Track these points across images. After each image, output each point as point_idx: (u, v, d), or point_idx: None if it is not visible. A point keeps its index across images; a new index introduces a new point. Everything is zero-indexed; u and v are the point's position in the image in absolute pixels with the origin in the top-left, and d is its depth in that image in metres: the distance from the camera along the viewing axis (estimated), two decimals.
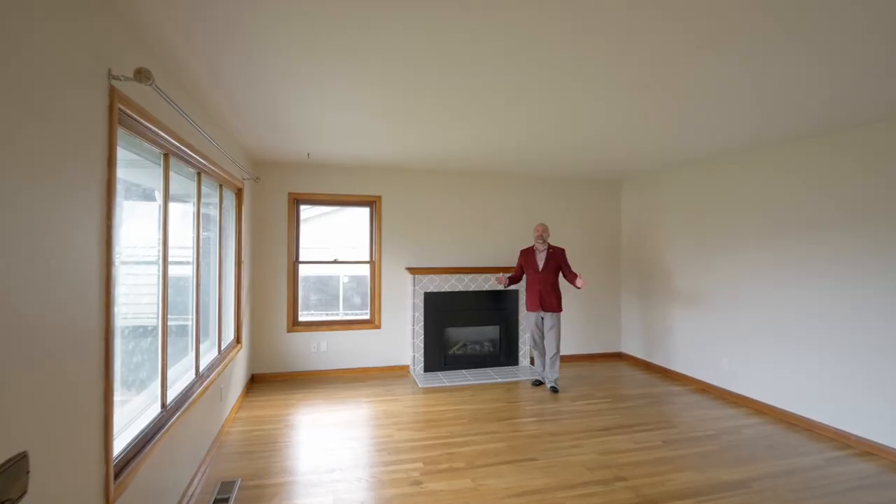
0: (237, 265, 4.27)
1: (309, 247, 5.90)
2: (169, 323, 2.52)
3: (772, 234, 4.15)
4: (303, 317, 5.36)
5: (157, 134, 2.18)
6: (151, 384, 2.34)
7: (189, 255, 3.01)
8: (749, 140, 3.91)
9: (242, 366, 4.52)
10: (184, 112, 2.32)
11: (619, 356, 6.23)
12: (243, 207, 4.35)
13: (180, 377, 2.79)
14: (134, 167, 2.30)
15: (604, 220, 6.20)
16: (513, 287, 5.64)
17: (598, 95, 2.81)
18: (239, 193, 4.31)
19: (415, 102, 2.95)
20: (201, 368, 3.11)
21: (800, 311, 3.93)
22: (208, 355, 3.47)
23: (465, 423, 3.89)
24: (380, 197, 5.38)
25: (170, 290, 2.54)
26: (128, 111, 1.84)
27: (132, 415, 2.13)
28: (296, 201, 5.21)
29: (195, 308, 3.01)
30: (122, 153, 1.98)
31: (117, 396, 1.88)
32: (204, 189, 3.38)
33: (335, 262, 5.41)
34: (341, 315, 7.68)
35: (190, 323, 3.01)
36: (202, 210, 3.39)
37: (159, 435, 2.21)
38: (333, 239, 6.29)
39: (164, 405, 2.36)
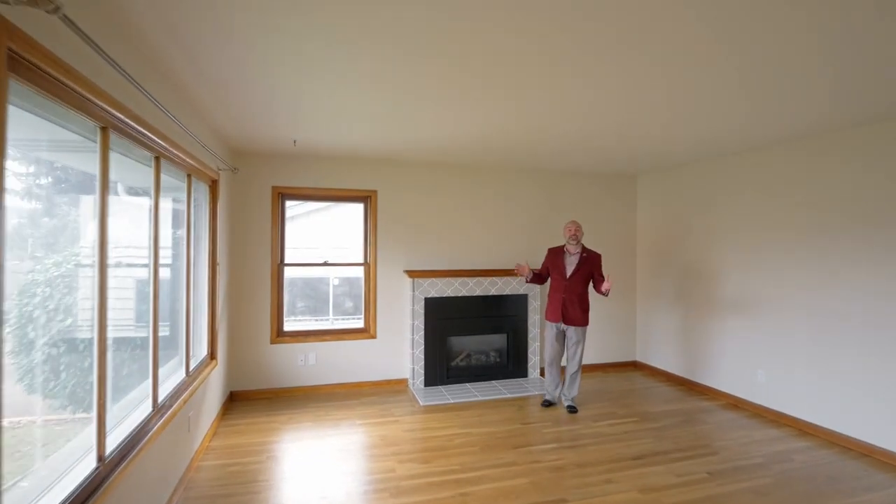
0: (211, 269, 3.69)
1: (296, 247, 5.34)
2: (117, 341, 1.96)
3: (820, 231, 3.68)
4: (288, 325, 4.80)
5: (84, 98, 1.62)
6: (84, 430, 1.78)
7: (145, 256, 2.44)
8: (798, 128, 3.43)
9: (218, 384, 3.94)
10: (125, 71, 1.76)
11: (634, 365, 5.76)
12: (219, 202, 3.78)
13: (130, 412, 2.22)
14: (71, 150, 1.74)
15: (618, 218, 5.71)
16: (523, 290, 5.13)
17: (631, 72, 2.30)
18: (213, 186, 3.73)
19: (417, 74, 2.41)
20: (161, 397, 2.54)
21: (851, 317, 3.47)
22: (173, 378, 2.90)
23: (476, 452, 3.36)
24: (375, 192, 4.83)
25: (120, 301, 1.99)
26: (27, 56, 1.28)
27: (50, 478, 1.57)
28: (281, 196, 4.64)
29: (152, 323, 2.44)
30: (39, 126, 1.43)
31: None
32: (166, 179, 2.81)
33: (325, 264, 4.85)
34: (331, 321, 7.13)
35: (148, 340, 2.44)
36: (167, 204, 2.82)
37: (94, 499, 1.65)
38: (323, 238, 5.74)
39: (101, 458, 1.80)
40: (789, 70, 2.37)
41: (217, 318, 3.77)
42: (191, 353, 3.23)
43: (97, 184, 1.79)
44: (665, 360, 5.30)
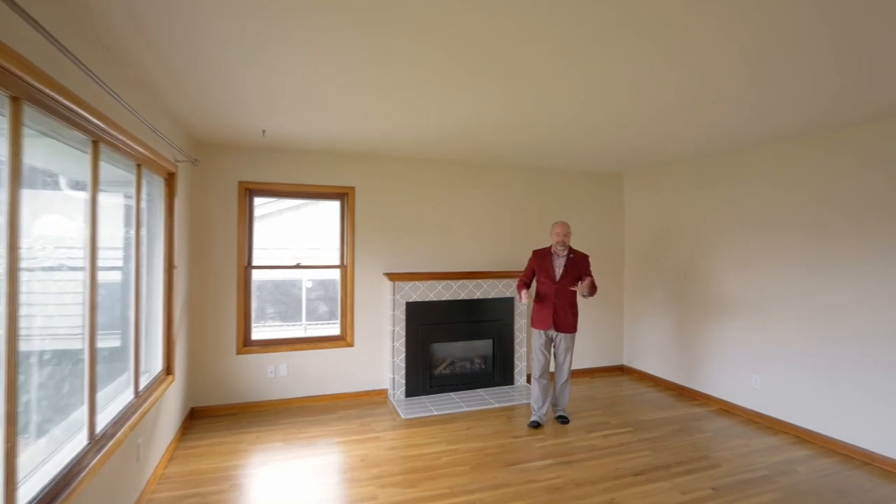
0: (167, 272, 3.29)
1: (266, 248, 4.95)
2: (40, 363, 1.59)
3: (819, 232, 3.56)
4: (257, 332, 4.41)
5: None
6: None
7: (80, 258, 2.06)
8: (799, 124, 3.29)
9: (176, 402, 3.53)
10: (42, 28, 1.40)
11: (621, 370, 5.59)
12: (177, 198, 3.38)
13: (58, 448, 1.84)
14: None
15: (605, 217, 5.53)
16: (509, 293, 4.87)
17: (626, 66, 2.07)
18: (170, 179, 3.33)
19: (396, 58, 2.12)
20: (101, 426, 2.15)
21: (851, 320, 3.35)
22: (121, 399, 2.51)
23: (466, 472, 3.07)
24: (353, 188, 4.49)
25: (62, 307, 1.62)
26: None
27: None
28: (248, 192, 4.25)
29: (88, 337, 2.06)
30: None
31: None
32: (113, 170, 2.43)
33: (298, 266, 4.48)
34: (304, 326, 6.74)
35: (83, 358, 2.06)
36: (116, 200, 2.43)
37: None
38: (296, 239, 5.36)
39: None
40: (796, 59, 2.18)
41: (174, 327, 3.36)
42: (141, 370, 2.83)
43: (6, 169, 1.42)
44: (654, 364, 5.14)
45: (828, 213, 3.50)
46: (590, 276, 3.85)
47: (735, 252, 4.21)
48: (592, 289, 3.76)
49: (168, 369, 3.31)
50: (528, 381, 4.95)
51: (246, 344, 4.21)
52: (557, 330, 3.84)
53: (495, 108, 2.98)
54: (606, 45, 2.08)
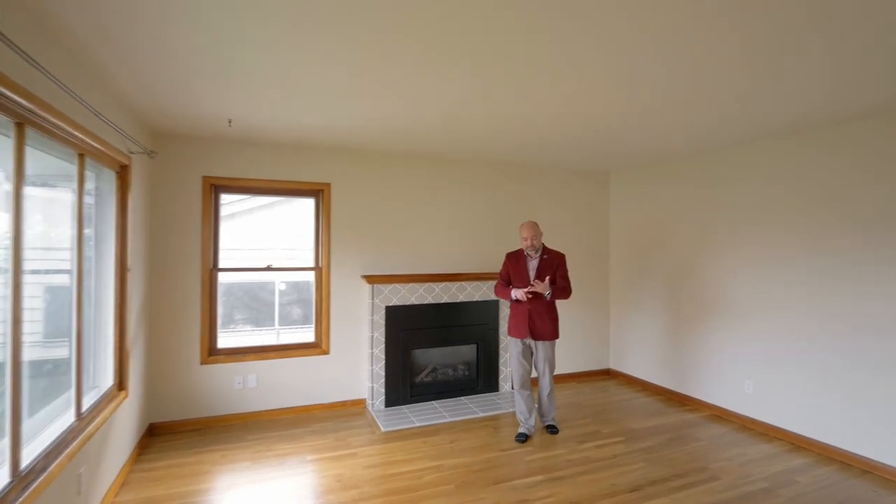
0: (119, 276, 2.95)
1: (236, 249, 4.62)
2: None
3: (816, 232, 3.45)
4: (224, 339, 4.08)
5: None
6: None
7: (40, 259, 1.75)
8: (795, 119, 3.16)
9: (131, 419, 3.19)
10: None
11: (607, 373, 5.44)
12: (131, 193, 3.04)
13: None
14: None
15: (591, 217, 5.38)
16: (494, 296, 4.66)
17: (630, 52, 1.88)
18: (123, 173, 2.99)
19: (369, 38, 1.87)
20: (28, 460, 1.83)
21: (849, 323, 3.25)
22: (60, 423, 2.19)
23: (451, 493, 2.83)
24: (328, 185, 4.20)
25: None
26: None
27: None
28: (214, 188, 3.92)
29: (11, 355, 1.74)
30: None
31: None
32: (50, 160, 2.11)
33: (268, 269, 4.16)
34: (277, 332, 6.41)
35: (6, 380, 1.74)
36: (61, 195, 2.11)
37: None
38: (268, 239, 5.04)
39: None
40: (790, 48, 2.02)
41: (128, 337, 3.03)
42: (87, 386, 2.50)
43: None
44: (642, 368, 5.00)
45: (825, 214, 3.39)
46: (565, 275, 3.64)
47: (726, 253, 4.09)
48: (561, 293, 3.55)
49: (121, 384, 2.97)
50: (512, 386, 4.73)
51: (211, 353, 3.88)
52: (535, 338, 3.59)
53: (478, 97, 2.76)
54: (596, 34, 1.91)
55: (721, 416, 4.10)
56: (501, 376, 4.72)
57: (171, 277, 3.74)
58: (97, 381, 2.80)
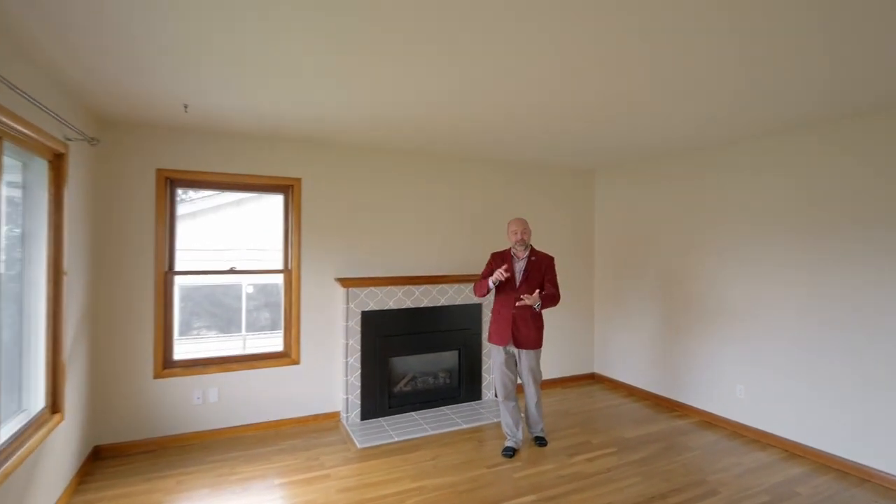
0: (53, 280, 2.56)
1: (194, 249, 4.24)
2: None
3: (809, 231, 3.33)
4: (183, 350, 3.71)
5: None
6: None
7: None
8: (789, 116, 3.03)
9: (69, 443, 2.79)
10: None
11: (592, 378, 5.27)
12: (67, 186, 2.65)
13: None
14: None
15: (575, 216, 5.20)
16: (477, 300, 4.41)
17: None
18: (57, 163, 2.60)
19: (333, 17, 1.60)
20: None
21: (845, 326, 3.14)
22: None
23: None
24: (299, 180, 3.87)
25: None
26: None
27: None
28: (169, 182, 3.53)
29: None
30: None
31: None
32: None
33: (232, 271, 3.80)
34: (243, 339, 6.00)
35: None
36: None
37: None
38: (233, 239, 4.66)
39: None
40: (791, 39, 1.86)
41: (63, 350, 2.64)
42: (3, 414, 2.12)
43: None
44: (627, 372, 4.85)
45: (822, 212, 3.28)
46: (554, 280, 3.42)
47: (717, 253, 3.96)
48: (550, 301, 3.32)
49: (54, 405, 2.58)
50: (496, 394, 4.49)
51: (166, 365, 3.49)
52: (518, 346, 3.34)
53: (457, 84, 2.50)
54: (582, 17, 1.68)
55: (711, 422, 3.97)
56: (484, 383, 4.48)
57: (119, 282, 3.34)
58: (25, 403, 2.41)
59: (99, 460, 3.22)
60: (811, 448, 3.30)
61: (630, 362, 4.82)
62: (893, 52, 2.07)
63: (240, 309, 5.83)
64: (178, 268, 3.59)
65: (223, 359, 3.68)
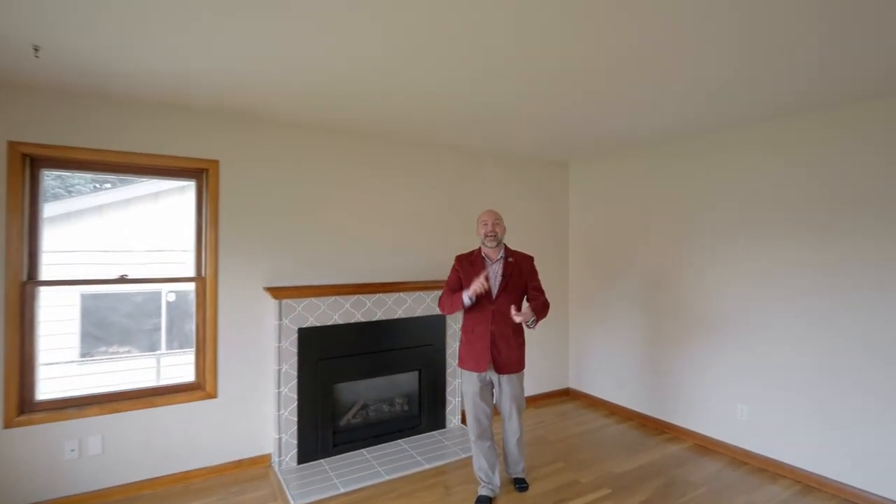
0: None
1: (74, 251, 3.31)
2: None
3: (825, 228, 2.89)
4: (52, 385, 2.79)
5: None
6: None
7: None
8: (801, 93, 2.57)
9: None
10: None
11: (566, 394, 4.72)
12: None
13: None
14: None
15: (547, 214, 4.63)
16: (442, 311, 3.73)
17: None
18: None
19: None
20: None
21: (868, 336, 2.71)
22: None
23: None
24: (215, 163, 3.04)
25: None
26: None
27: None
28: (30, 162, 2.63)
29: None
30: None
31: None
32: None
33: (122, 280, 2.91)
34: (157, 357, 5.02)
35: None
36: None
37: None
38: (126, 239, 3.76)
39: None
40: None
41: None
42: None
43: None
44: (607, 389, 4.32)
45: (835, 206, 2.84)
46: (538, 286, 2.81)
47: (713, 254, 3.48)
48: (542, 312, 2.70)
49: None
50: (464, 420, 3.84)
51: (24, 409, 2.58)
52: (500, 371, 2.68)
53: (401, 43, 1.82)
54: None
55: (708, 446, 3.49)
56: (449, 408, 3.81)
57: None
58: None
59: None
60: (829, 480, 2.86)
61: (610, 376, 4.29)
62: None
63: (134, 324, 4.82)
64: (43, 277, 2.68)
65: (110, 396, 2.79)
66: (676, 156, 3.73)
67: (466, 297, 2.61)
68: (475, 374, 2.71)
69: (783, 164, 3.08)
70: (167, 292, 5.21)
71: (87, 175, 3.80)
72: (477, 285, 2.54)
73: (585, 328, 4.56)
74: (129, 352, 4.98)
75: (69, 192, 4.33)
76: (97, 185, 4.49)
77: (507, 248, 2.82)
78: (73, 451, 2.66)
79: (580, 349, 4.63)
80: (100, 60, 2.18)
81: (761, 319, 3.19)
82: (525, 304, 2.72)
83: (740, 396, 3.31)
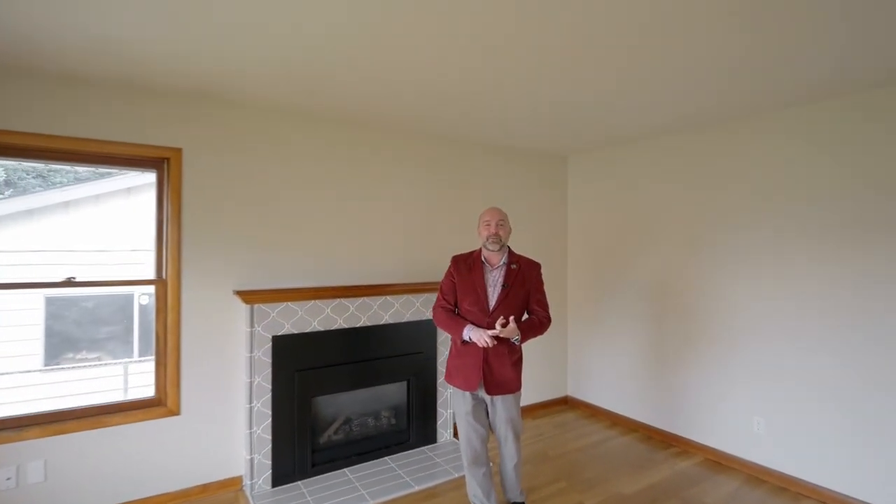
0: None
1: (19, 250, 2.97)
2: None
3: (845, 225, 2.63)
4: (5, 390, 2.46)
5: None
6: None
7: None
8: (807, 86, 2.31)
9: None
10: None
11: (565, 402, 4.45)
12: None
13: None
14: None
15: (544, 213, 4.35)
16: (431, 313, 3.43)
17: None
18: None
19: None
20: None
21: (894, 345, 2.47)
22: None
23: None
24: (178, 151, 2.71)
25: None
26: None
27: None
28: None
29: None
30: None
31: None
32: None
33: (69, 283, 2.58)
34: (124, 365, 4.67)
35: None
36: None
37: None
38: (80, 237, 3.42)
39: None
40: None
41: None
42: None
43: None
44: (609, 397, 4.05)
45: (864, 199, 2.58)
46: (541, 300, 2.50)
47: (728, 253, 3.22)
48: (534, 331, 2.40)
49: None
50: (456, 434, 3.55)
51: None
52: (492, 391, 2.36)
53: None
54: None
55: (721, 461, 3.22)
56: (440, 421, 3.51)
57: None
58: None
59: None
60: (859, 501, 2.60)
61: (612, 384, 4.02)
62: None
63: (80, 331, 4.46)
64: None
65: (54, 415, 2.46)
66: (682, 148, 3.46)
67: (467, 335, 2.32)
68: (466, 393, 2.40)
69: (801, 159, 2.82)
70: (140, 295, 4.86)
71: (38, 165, 3.45)
72: (485, 338, 2.24)
73: (585, 335, 4.29)
74: (98, 359, 4.63)
75: (31, 188, 3.99)
76: (64, 182, 4.17)
77: (511, 253, 2.52)
78: (9, 479, 2.32)
79: (580, 354, 4.35)
80: (51, 27, 1.86)
81: (780, 326, 2.93)
82: (512, 320, 2.32)
83: (757, 409, 3.05)
